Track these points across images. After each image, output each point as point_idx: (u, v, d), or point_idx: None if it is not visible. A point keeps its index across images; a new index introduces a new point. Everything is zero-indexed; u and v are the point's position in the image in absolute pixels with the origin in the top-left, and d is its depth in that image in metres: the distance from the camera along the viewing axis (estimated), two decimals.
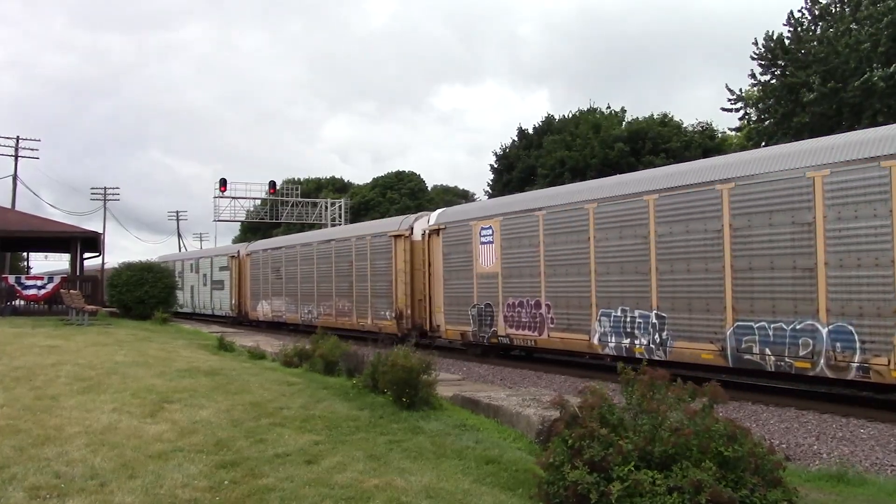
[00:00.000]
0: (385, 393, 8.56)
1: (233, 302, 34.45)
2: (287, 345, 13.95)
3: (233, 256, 34.88)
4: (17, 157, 49.39)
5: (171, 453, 6.27)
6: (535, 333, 16.24)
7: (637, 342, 13.56)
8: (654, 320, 13.20)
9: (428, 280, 20.27)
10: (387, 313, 22.30)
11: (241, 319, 33.80)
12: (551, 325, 15.77)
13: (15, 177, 48.80)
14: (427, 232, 20.40)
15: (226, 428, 7.27)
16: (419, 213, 22.59)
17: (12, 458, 6.05)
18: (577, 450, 4.87)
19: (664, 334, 13.06)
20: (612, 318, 14.16)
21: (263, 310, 31.45)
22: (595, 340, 14.54)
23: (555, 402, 5.57)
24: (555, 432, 5.29)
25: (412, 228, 21.38)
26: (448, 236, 19.51)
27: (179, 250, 70.22)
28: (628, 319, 13.80)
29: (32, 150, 50.64)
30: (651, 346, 13.23)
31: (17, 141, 49.62)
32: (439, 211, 20.95)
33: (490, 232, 17.80)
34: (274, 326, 30.93)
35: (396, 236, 21.84)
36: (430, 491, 5.36)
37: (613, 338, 14.12)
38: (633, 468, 4.60)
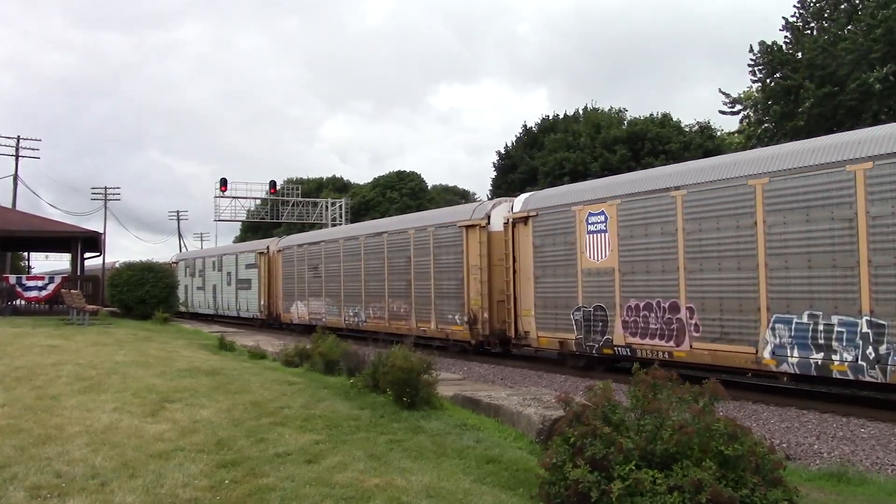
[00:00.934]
0: (386, 392, 8.57)
1: (261, 303, 31.67)
2: (288, 344, 13.96)
3: (261, 253, 31.88)
4: (17, 156, 49.42)
5: (172, 453, 6.27)
6: (671, 344, 13.13)
7: (836, 358, 10.56)
8: (866, 329, 10.26)
9: (512, 277, 17.12)
10: (456, 317, 19.13)
11: (271, 322, 31.05)
12: (695, 334, 12.70)
13: (16, 177, 48.84)
14: (510, 220, 17.24)
15: (226, 427, 7.27)
16: (497, 200, 19.63)
17: (13, 458, 6.05)
18: (579, 448, 4.87)
19: (882, 348, 10.07)
20: (793, 326, 11.17)
21: (298, 312, 28.49)
22: (766, 354, 11.50)
23: (559, 399, 5.57)
24: (557, 431, 5.29)
25: (489, 217, 18.45)
26: (541, 225, 16.31)
27: (180, 250, 70.24)
28: (821, 327, 10.84)
29: (33, 149, 50.67)
30: (860, 363, 10.28)
31: (18, 141, 49.66)
32: (526, 195, 17.77)
33: (602, 219, 14.70)
34: (311, 331, 27.86)
35: (469, 226, 18.83)
36: (430, 490, 5.36)
37: (796, 351, 11.11)
38: (633, 467, 4.60)
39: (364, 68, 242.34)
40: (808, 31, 29.20)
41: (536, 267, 16.41)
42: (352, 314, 24.55)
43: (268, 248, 31.66)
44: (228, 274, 35.24)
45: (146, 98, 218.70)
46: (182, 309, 38.16)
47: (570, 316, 15.44)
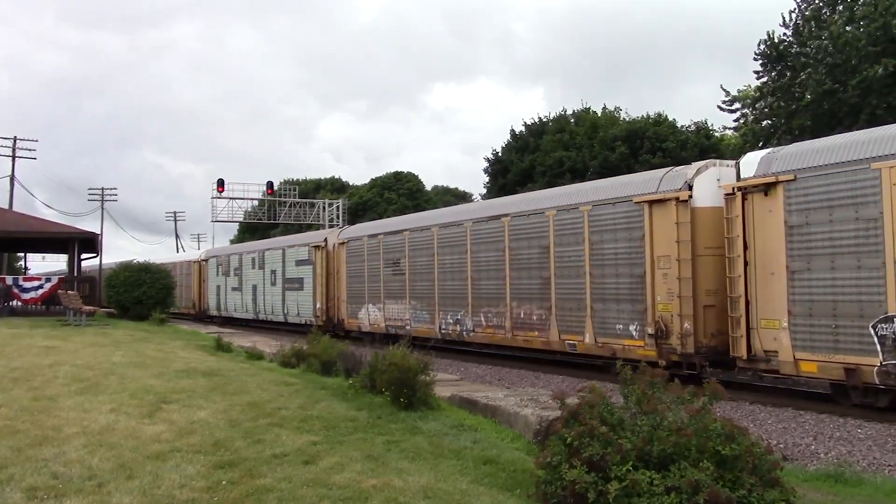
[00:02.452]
0: (383, 393, 8.57)
1: (318, 306, 26.20)
2: (284, 345, 13.95)
3: (317, 246, 26.53)
4: (14, 157, 49.32)
5: (169, 454, 6.26)
6: None
7: None
8: None
9: (743, 272, 12.07)
10: (631, 327, 14.06)
11: (330, 329, 23.88)
12: None
13: (13, 177, 48.75)
14: (736, 191, 12.18)
15: (224, 428, 7.26)
16: (702, 163, 13.78)
17: (10, 459, 6.05)
18: (576, 448, 4.88)
19: None
20: None
21: (370, 317, 23.15)
22: None
23: (555, 397, 5.58)
24: (553, 431, 5.29)
25: (691, 188, 13.15)
26: (801, 194, 11.24)
27: (177, 251, 70.12)
28: None
29: (30, 150, 50.56)
30: None
31: (15, 141, 49.55)
32: (765, 152, 12.46)
33: None
34: (390, 341, 20.17)
35: (655, 202, 13.61)
36: (427, 491, 5.36)
37: None
38: (631, 468, 4.61)
39: (358, 66, 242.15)
40: (807, 31, 29.24)
41: (793, 256, 11.36)
42: (451, 321, 19.18)
43: (326, 240, 26.45)
44: (273, 272, 29.76)
45: (141, 98, 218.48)
46: (212, 313, 35.94)
47: (870, 330, 10.33)
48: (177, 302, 39.56)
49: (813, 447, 8.95)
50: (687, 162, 19.02)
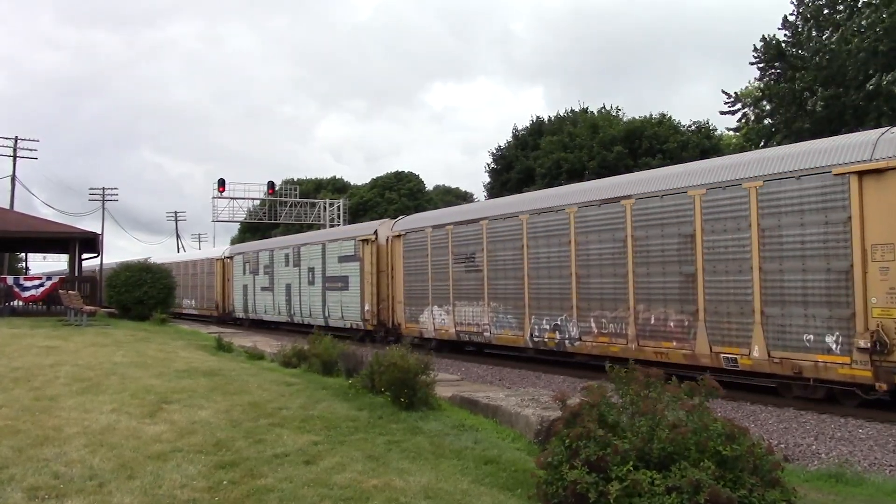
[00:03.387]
0: (383, 393, 8.57)
1: (366, 308, 22.83)
2: (285, 345, 13.96)
3: (365, 240, 23.08)
4: (15, 157, 49.36)
5: (170, 454, 6.27)
6: None
7: None
8: None
9: None
10: (828, 338, 10.80)
11: (383, 335, 21.81)
12: None
13: (14, 177, 48.78)
14: None
15: (225, 428, 7.27)
16: None
17: (11, 459, 6.05)
18: (575, 450, 4.89)
19: None
20: None
21: (435, 321, 19.79)
22: None
23: (556, 398, 5.58)
24: (554, 431, 5.30)
25: None
26: None
27: (178, 251, 70.14)
28: None
29: (31, 150, 50.62)
30: None
31: (16, 141, 49.60)
32: None
33: None
34: (460, 351, 19.82)
35: (867, 173, 10.44)
36: (428, 491, 5.37)
37: None
38: (631, 468, 4.61)
39: (355, 65, 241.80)
40: (806, 32, 29.24)
41: None
42: (547, 327, 15.92)
43: (376, 233, 22.90)
44: (311, 270, 26.46)
45: (138, 97, 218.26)
46: (238, 315, 33.11)
47: None
48: (196, 303, 38.40)
49: (814, 447, 8.95)
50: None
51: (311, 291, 26.50)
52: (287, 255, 28.49)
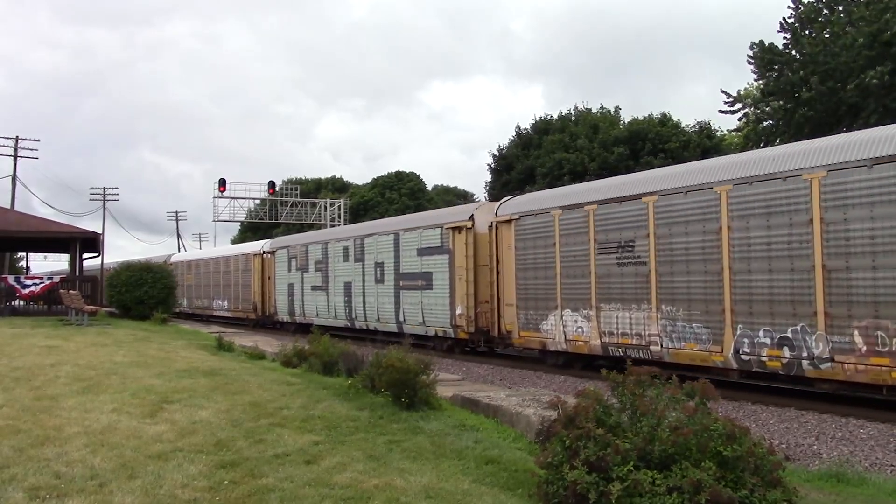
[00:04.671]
0: (384, 393, 8.57)
1: (458, 312, 18.69)
2: (286, 345, 13.95)
3: (457, 228, 18.91)
4: (16, 157, 49.38)
5: (171, 453, 6.27)
6: None
7: None
8: None
9: None
10: None
11: (479, 343, 18.59)
12: None
13: (14, 177, 48.80)
14: None
15: (225, 428, 7.27)
16: None
17: (12, 459, 6.05)
18: (575, 450, 4.89)
19: None
20: None
21: (569, 329, 15.34)
22: None
23: (552, 403, 5.59)
24: (553, 433, 5.30)
25: None
26: None
27: (179, 251, 70.13)
28: None
29: (32, 150, 50.63)
30: None
31: (17, 141, 49.62)
32: None
33: None
34: (620, 366, 11.42)
35: None
36: (429, 491, 5.36)
37: None
38: (632, 468, 4.61)
39: (353, 64, 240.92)
40: (805, 33, 29.25)
41: None
42: (766, 341, 11.59)
43: (472, 218, 18.73)
44: (378, 266, 22.35)
45: (137, 96, 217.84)
46: (281, 318, 29.22)
47: None
48: (229, 304, 34.49)
49: (815, 447, 8.95)
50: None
51: (378, 291, 22.27)
52: (346, 249, 24.33)
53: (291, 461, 6.11)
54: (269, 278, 30.70)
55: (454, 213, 20.12)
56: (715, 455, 4.64)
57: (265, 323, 31.15)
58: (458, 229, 19.00)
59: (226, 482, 5.50)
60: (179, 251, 68.35)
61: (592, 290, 14.81)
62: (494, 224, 17.68)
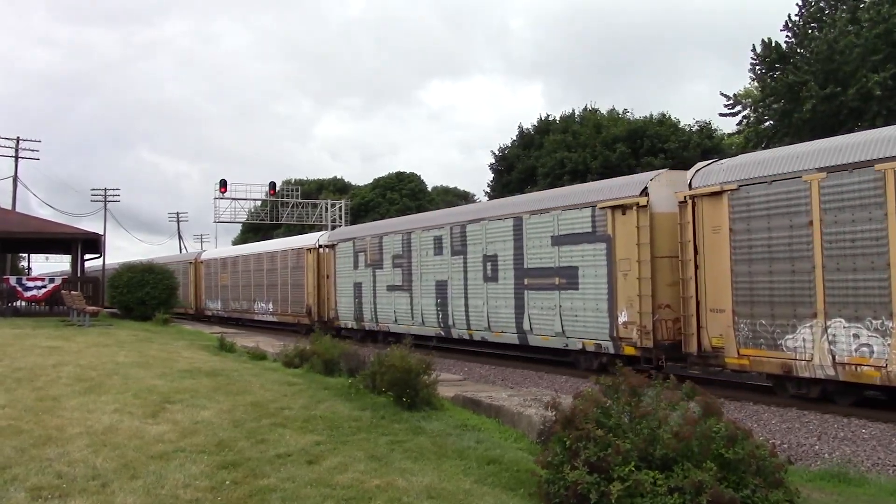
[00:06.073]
0: (386, 393, 8.57)
1: (623, 321, 14.17)
2: (288, 345, 13.96)
3: (620, 206, 14.33)
4: (17, 157, 49.42)
5: (173, 454, 6.27)
6: None
7: None
8: None
9: None
10: None
11: (658, 364, 13.29)
12: None
13: (16, 178, 48.86)
14: None
15: (227, 428, 7.27)
16: None
17: (14, 459, 6.05)
18: (575, 451, 4.89)
19: None
20: None
21: (840, 350, 10.51)
22: None
23: (549, 406, 5.59)
24: (552, 433, 5.31)
25: None
26: None
27: (180, 251, 70.16)
28: None
29: (33, 150, 50.66)
30: None
31: (18, 142, 49.67)
32: None
33: None
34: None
35: None
36: (431, 491, 5.36)
37: None
38: (633, 468, 4.61)
39: (350, 62, 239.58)
40: (810, 31, 29.26)
41: None
42: None
43: (646, 191, 13.94)
44: (490, 259, 17.88)
45: (134, 95, 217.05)
46: (344, 324, 24.55)
47: None
48: (275, 307, 29.71)
49: (817, 447, 8.94)
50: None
51: (489, 292, 17.83)
52: (439, 239, 19.79)
53: (293, 461, 6.11)
54: (325, 277, 26.32)
55: (615, 187, 15.05)
56: (717, 457, 4.64)
57: (323, 328, 23.90)
58: (622, 208, 14.24)
59: (227, 482, 5.51)
60: (181, 251, 68.35)
61: (894, 291, 9.89)
62: (689, 199, 12.86)
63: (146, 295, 26.19)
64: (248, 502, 5.12)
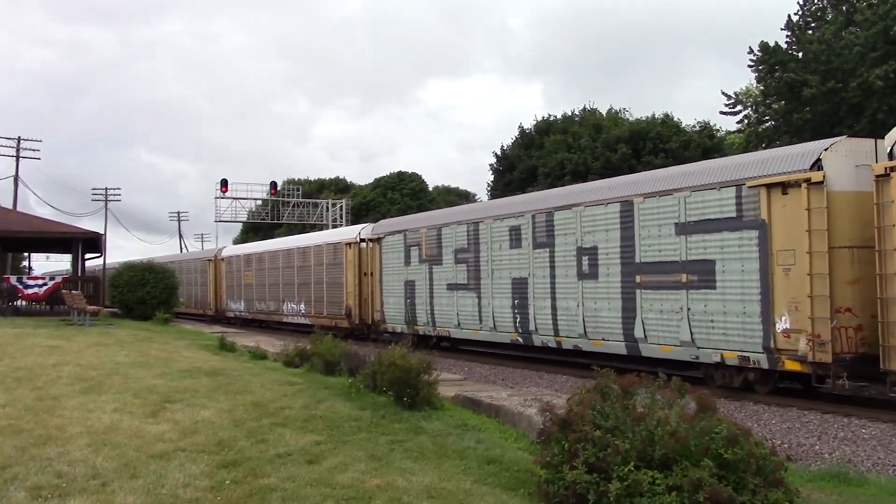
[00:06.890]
0: (386, 393, 8.58)
1: (782, 328, 11.31)
2: (288, 345, 13.96)
3: (779, 185, 11.36)
4: (18, 157, 49.45)
5: (173, 453, 6.28)
6: None
7: None
8: None
9: None
10: None
11: (837, 384, 10.63)
12: None
13: (17, 178, 48.89)
14: None
15: (227, 428, 7.27)
16: None
17: (14, 458, 6.06)
18: (574, 452, 4.89)
19: None
20: None
21: None
22: None
23: (543, 410, 5.59)
24: (551, 433, 5.31)
25: None
26: None
27: (181, 251, 70.16)
28: None
29: (34, 150, 50.69)
30: None
31: (19, 142, 49.69)
32: None
33: None
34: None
35: None
36: (431, 491, 5.37)
37: None
38: (632, 468, 4.61)
39: (347, 61, 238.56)
40: (810, 31, 29.25)
41: None
42: None
43: (819, 164, 11.06)
44: (586, 252, 15.02)
45: (132, 95, 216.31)
46: (392, 328, 21.61)
47: None
48: (307, 307, 27.09)
49: (817, 447, 8.94)
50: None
51: (585, 291, 14.97)
52: (516, 230, 16.88)
53: (293, 461, 6.11)
54: (368, 274, 23.38)
55: (772, 160, 12.02)
56: (716, 457, 4.64)
57: (363, 334, 23.56)
58: (782, 186, 11.42)
59: (227, 482, 5.51)
60: (181, 251, 68.34)
61: None
62: (890, 171, 10.15)
63: (146, 294, 26.20)
64: (248, 502, 5.12)
